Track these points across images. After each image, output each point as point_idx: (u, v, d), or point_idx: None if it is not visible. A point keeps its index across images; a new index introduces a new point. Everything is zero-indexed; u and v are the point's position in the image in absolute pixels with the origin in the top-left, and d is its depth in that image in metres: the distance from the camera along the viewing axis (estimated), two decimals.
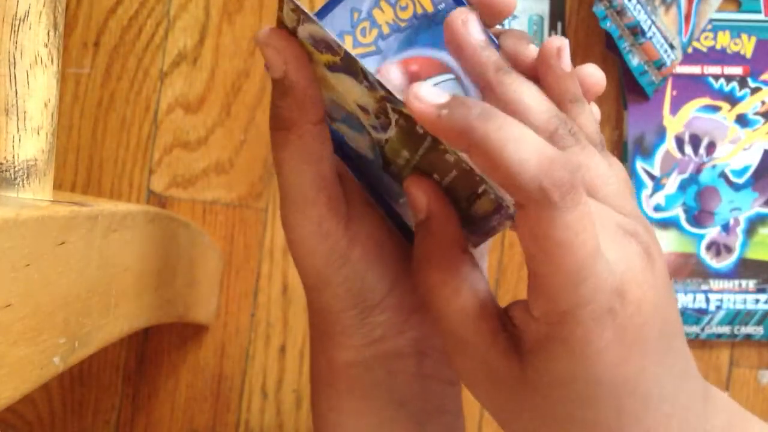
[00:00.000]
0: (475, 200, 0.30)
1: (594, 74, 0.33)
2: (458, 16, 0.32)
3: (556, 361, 0.29)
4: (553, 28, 0.55)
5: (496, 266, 0.56)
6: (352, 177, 0.36)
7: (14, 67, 0.34)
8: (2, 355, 0.27)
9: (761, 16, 0.54)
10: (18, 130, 0.34)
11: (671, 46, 0.51)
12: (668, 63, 0.51)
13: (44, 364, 0.30)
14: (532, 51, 0.33)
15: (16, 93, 0.34)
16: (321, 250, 0.34)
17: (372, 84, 0.30)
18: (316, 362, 0.38)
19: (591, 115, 0.33)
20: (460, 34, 0.32)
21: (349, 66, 0.30)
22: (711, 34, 0.54)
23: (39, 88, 0.35)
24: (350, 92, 0.32)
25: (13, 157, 0.34)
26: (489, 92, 0.32)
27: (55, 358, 0.31)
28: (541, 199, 0.26)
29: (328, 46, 0.30)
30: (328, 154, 0.34)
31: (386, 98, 0.30)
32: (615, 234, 0.29)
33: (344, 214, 0.35)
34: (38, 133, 0.35)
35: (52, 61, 0.35)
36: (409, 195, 0.32)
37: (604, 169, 0.31)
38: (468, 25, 0.32)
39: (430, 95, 0.27)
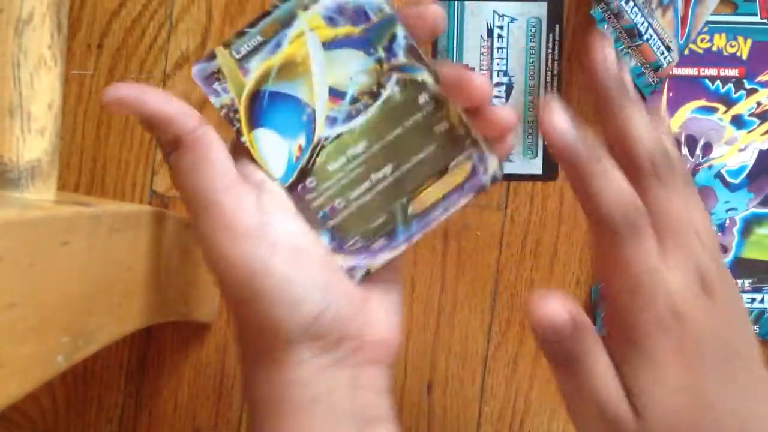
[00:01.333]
0: (441, 176, 0.36)
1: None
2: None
3: (639, 370, 0.36)
4: (551, 30, 0.55)
5: (495, 265, 0.57)
6: (271, 187, 0.36)
7: (18, 69, 0.34)
8: (6, 353, 0.27)
9: (757, 18, 0.54)
10: (22, 132, 0.34)
11: (668, 49, 0.51)
12: (665, 65, 0.51)
13: (48, 362, 0.30)
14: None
15: (21, 95, 0.34)
16: (237, 255, 0.34)
17: (393, 52, 0.35)
18: (253, 384, 0.37)
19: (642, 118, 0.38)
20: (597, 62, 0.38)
21: (377, 32, 0.34)
22: (707, 36, 0.54)
23: (43, 90, 0.35)
24: (334, 72, 0.35)
25: (18, 158, 0.34)
26: (606, 112, 0.39)
27: (58, 356, 0.31)
28: (612, 229, 0.35)
29: (359, 14, 0.34)
30: (219, 156, 0.34)
31: (401, 67, 0.35)
32: (685, 268, 0.36)
33: (255, 216, 0.34)
34: (42, 135, 0.35)
35: (55, 63, 0.35)
36: (546, 317, 0.37)
37: (684, 213, 0.37)
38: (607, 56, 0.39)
39: (563, 125, 0.36)
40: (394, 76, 0.35)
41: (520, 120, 0.55)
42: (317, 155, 0.35)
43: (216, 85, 0.35)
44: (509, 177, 0.56)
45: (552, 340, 0.35)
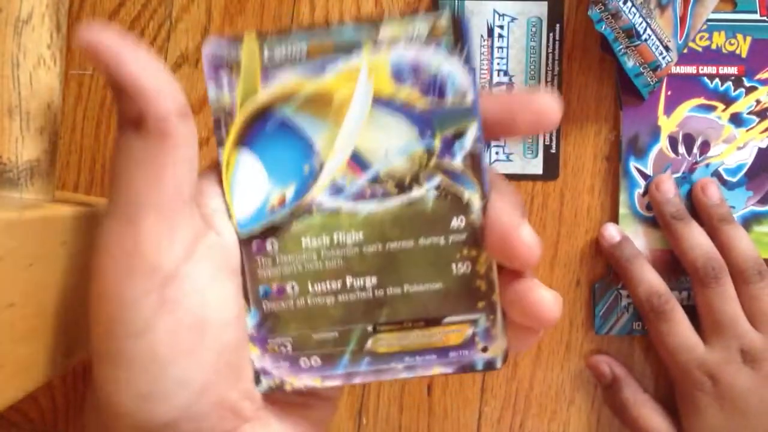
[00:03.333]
0: (429, 326, 0.28)
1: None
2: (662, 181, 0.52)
3: (687, 413, 0.49)
4: (551, 30, 0.55)
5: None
6: (220, 227, 0.28)
7: (17, 69, 0.34)
8: (6, 353, 0.27)
9: (757, 16, 0.54)
10: (21, 131, 0.34)
11: (666, 48, 0.51)
12: (663, 65, 0.51)
13: (48, 363, 0.30)
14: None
15: (20, 94, 0.34)
16: (120, 291, 0.25)
17: (451, 150, 0.27)
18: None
19: (740, 233, 0.49)
20: (657, 190, 0.51)
21: (445, 117, 0.27)
22: (706, 34, 0.54)
23: (42, 90, 0.35)
24: (369, 136, 0.27)
25: (17, 158, 0.34)
26: (666, 228, 0.51)
27: (58, 356, 0.31)
28: (649, 312, 0.50)
29: (434, 85, 0.27)
30: (180, 166, 0.26)
31: (451, 173, 0.27)
32: (728, 347, 0.47)
33: (174, 257, 0.25)
34: (41, 134, 0.35)
35: (55, 62, 0.35)
36: (593, 369, 0.53)
37: (728, 309, 0.48)
38: (664, 184, 0.51)
39: (613, 235, 0.52)
40: (438, 179, 0.27)
41: None
42: (297, 219, 0.27)
43: (223, 75, 0.27)
44: (509, 177, 0.56)
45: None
